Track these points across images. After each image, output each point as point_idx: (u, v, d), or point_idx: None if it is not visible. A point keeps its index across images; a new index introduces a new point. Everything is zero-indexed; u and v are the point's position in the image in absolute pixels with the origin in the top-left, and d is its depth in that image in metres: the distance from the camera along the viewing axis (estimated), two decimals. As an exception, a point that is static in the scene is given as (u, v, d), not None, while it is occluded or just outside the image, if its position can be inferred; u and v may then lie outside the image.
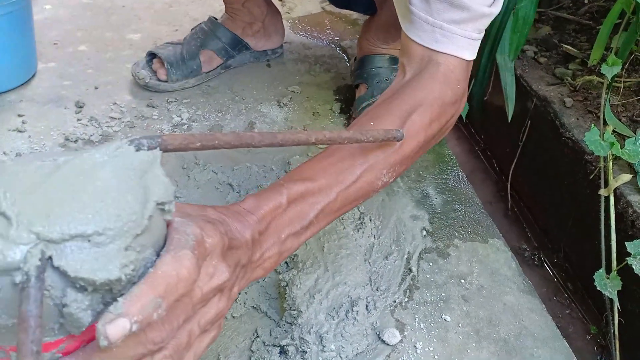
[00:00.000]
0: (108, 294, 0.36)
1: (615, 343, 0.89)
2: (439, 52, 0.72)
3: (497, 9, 0.73)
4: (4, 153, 1.08)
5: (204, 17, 1.35)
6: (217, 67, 1.33)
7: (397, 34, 1.12)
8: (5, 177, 0.36)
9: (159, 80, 1.27)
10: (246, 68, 1.39)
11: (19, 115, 1.18)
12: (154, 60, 1.29)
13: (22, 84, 1.27)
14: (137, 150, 0.40)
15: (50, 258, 0.34)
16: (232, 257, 0.48)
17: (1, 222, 0.34)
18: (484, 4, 0.71)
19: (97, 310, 0.36)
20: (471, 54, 0.74)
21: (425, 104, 0.69)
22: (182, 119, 1.20)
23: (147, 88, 1.27)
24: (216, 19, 1.33)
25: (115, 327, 0.34)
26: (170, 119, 1.20)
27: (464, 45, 0.72)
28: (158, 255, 0.39)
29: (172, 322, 0.40)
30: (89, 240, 0.35)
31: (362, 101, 1.18)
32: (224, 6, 1.35)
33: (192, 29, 1.34)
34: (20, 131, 1.14)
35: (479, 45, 0.75)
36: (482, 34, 0.74)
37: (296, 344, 0.77)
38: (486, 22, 0.74)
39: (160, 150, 0.42)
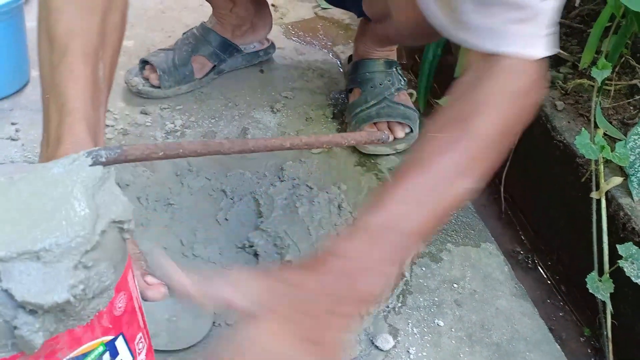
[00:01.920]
0: (61, 313, 0.36)
1: (608, 345, 0.89)
2: (501, 54, 0.67)
3: (551, 3, 0.67)
4: (-3, 162, 1.08)
5: (197, 24, 1.35)
6: (210, 72, 1.32)
7: (395, 39, 1.12)
8: None
9: (152, 86, 1.27)
10: (239, 74, 1.39)
11: (12, 124, 1.18)
12: (146, 67, 1.29)
13: (15, 92, 1.27)
14: (94, 162, 0.40)
15: None
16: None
17: None
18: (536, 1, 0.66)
19: (50, 330, 0.36)
20: (540, 51, 0.68)
21: (490, 104, 0.65)
22: (175, 126, 1.21)
23: (139, 95, 1.27)
24: (205, 24, 1.33)
25: None
26: (163, 126, 1.20)
27: (530, 43, 0.67)
28: (115, 269, 0.39)
29: None
30: (37, 258, 0.35)
31: (355, 107, 1.19)
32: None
33: (183, 34, 1.34)
34: (13, 139, 1.14)
35: (551, 40, 0.69)
36: (550, 29, 0.68)
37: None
38: (545, 19, 0.68)
39: (121, 161, 0.41)
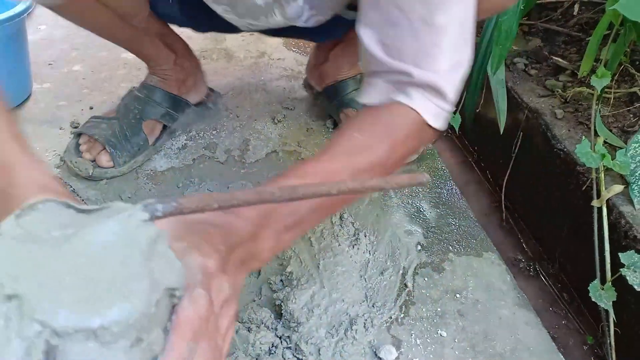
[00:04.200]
0: None
1: (611, 353, 0.89)
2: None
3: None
4: (0, 176, 1.09)
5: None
6: (162, 135, 1.18)
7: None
8: (9, 249, 0.35)
9: (103, 167, 1.08)
10: (240, 85, 1.40)
11: (15, 137, 1.18)
12: (82, 140, 1.11)
13: (17, 106, 1.28)
14: (151, 217, 0.38)
15: (56, 347, 0.33)
16: (231, 261, 0.52)
17: (6, 306, 0.33)
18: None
19: None
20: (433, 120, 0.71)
21: (405, 128, 0.69)
22: (177, 139, 1.21)
23: (91, 179, 1.08)
24: (148, 84, 1.17)
25: None
26: (165, 139, 1.21)
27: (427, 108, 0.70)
28: (164, 333, 0.38)
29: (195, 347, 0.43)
30: (95, 336, 0.33)
31: None
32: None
33: (122, 99, 1.17)
34: (16, 153, 1.14)
35: (444, 115, 0.72)
36: (445, 107, 0.71)
37: (291, 349, 0.79)
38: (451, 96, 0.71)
39: (177, 213, 0.40)
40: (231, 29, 1.08)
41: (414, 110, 0.69)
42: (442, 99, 0.70)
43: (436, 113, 0.70)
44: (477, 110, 1.31)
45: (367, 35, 0.71)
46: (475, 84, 1.21)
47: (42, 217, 0.38)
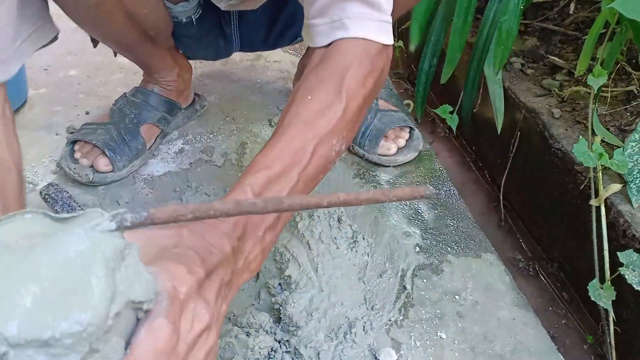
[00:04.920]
0: None
1: (611, 352, 0.89)
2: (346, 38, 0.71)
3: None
4: (-4, 182, 1.08)
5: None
6: (157, 138, 1.18)
7: None
8: None
9: (102, 172, 1.08)
10: (236, 88, 1.39)
11: (11, 144, 1.18)
12: (76, 147, 1.11)
13: (13, 112, 1.27)
14: (119, 226, 0.37)
15: (5, 354, 0.33)
16: (211, 285, 0.49)
17: None
18: None
19: None
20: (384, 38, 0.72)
21: (353, 64, 0.68)
22: (173, 142, 1.21)
23: (91, 184, 1.08)
24: (143, 89, 1.18)
25: None
26: (161, 142, 1.20)
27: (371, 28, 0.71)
28: (124, 341, 0.38)
29: None
30: (47, 345, 0.33)
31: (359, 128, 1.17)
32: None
33: (114, 105, 1.17)
34: (12, 159, 1.14)
35: (386, 28, 0.72)
36: (383, 18, 0.72)
37: (291, 353, 0.78)
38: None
39: (147, 224, 0.39)
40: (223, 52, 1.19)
41: (356, 38, 0.69)
42: (377, 10, 0.70)
43: (377, 28, 0.70)
44: (475, 111, 1.31)
45: None
46: (472, 84, 1.21)
47: (15, 226, 0.38)
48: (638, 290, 0.81)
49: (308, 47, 1.29)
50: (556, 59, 1.23)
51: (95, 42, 1.12)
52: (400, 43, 1.58)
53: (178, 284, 0.43)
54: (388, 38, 0.72)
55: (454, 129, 1.27)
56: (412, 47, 1.21)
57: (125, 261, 0.37)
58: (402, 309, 0.87)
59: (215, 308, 0.48)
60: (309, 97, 0.66)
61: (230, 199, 0.56)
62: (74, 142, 1.11)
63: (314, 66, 0.71)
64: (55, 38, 0.84)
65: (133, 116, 1.14)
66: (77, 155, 1.09)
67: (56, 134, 1.22)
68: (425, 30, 1.21)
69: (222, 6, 1.03)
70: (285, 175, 0.61)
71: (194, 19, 1.05)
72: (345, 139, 0.68)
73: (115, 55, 1.23)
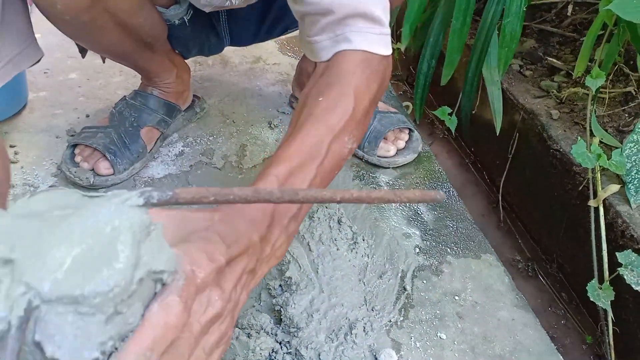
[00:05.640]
0: None
1: (610, 352, 0.89)
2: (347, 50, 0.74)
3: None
4: (-3, 185, 1.09)
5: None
6: (157, 141, 1.19)
7: None
8: (11, 223, 0.37)
9: (103, 175, 1.09)
10: (235, 91, 1.40)
11: (11, 146, 1.19)
12: (77, 151, 1.12)
13: (13, 115, 1.27)
14: (146, 202, 0.40)
15: (37, 307, 0.35)
16: (232, 274, 0.50)
17: (0, 270, 0.35)
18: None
19: None
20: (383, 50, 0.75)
21: (357, 70, 0.72)
22: (174, 144, 1.21)
23: (92, 188, 1.08)
24: (143, 92, 1.19)
25: None
26: (162, 144, 1.21)
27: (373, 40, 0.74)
28: (143, 307, 0.40)
29: (177, 358, 0.41)
30: (75, 303, 0.35)
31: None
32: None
33: (113, 108, 1.18)
34: (12, 162, 1.14)
35: (386, 40, 0.76)
36: (383, 31, 0.75)
37: (291, 354, 0.79)
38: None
39: (172, 202, 0.42)
40: (215, 48, 1.21)
41: (359, 50, 0.72)
42: (378, 24, 0.74)
43: (378, 41, 0.73)
44: (473, 112, 1.31)
45: None
46: (471, 85, 1.22)
47: (48, 198, 0.41)
48: (637, 290, 0.81)
49: None
50: (554, 60, 1.24)
51: (83, 52, 1.13)
52: (399, 45, 1.59)
53: (197, 269, 0.45)
54: (388, 49, 0.75)
55: (453, 131, 1.27)
56: (403, 46, 1.22)
57: (150, 235, 0.40)
58: (402, 309, 0.87)
59: (232, 296, 0.49)
60: (320, 98, 0.69)
61: (258, 183, 0.59)
62: (75, 145, 1.12)
63: (320, 74, 0.74)
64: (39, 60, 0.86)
65: (133, 119, 1.14)
66: (78, 158, 1.10)
67: (56, 137, 1.22)
68: (420, 31, 1.21)
69: (207, 9, 1.04)
70: (305, 168, 0.63)
71: (186, 20, 1.06)
72: (355, 138, 0.71)
73: (103, 62, 1.24)
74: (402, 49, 1.23)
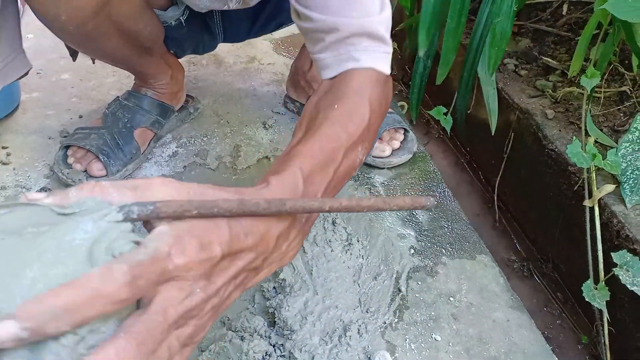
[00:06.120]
0: None
1: (606, 353, 0.89)
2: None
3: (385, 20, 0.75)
4: (-11, 187, 1.08)
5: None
6: (150, 142, 1.18)
7: None
8: None
9: (96, 177, 1.08)
10: (230, 91, 1.39)
11: (3, 148, 1.18)
12: (70, 152, 1.11)
13: (5, 116, 1.27)
14: (125, 218, 0.38)
15: None
16: (229, 268, 0.47)
17: None
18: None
19: None
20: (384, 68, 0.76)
21: (368, 85, 0.72)
22: (167, 145, 1.20)
23: None
24: (136, 92, 1.18)
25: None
26: (155, 145, 1.20)
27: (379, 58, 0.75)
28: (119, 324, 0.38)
29: (147, 343, 0.38)
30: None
31: None
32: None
33: (107, 109, 1.17)
34: (4, 164, 1.14)
35: (389, 59, 0.76)
36: (387, 50, 0.76)
37: (285, 357, 0.78)
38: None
39: (153, 217, 0.40)
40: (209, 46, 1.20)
41: (368, 68, 0.72)
42: (382, 42, 0.74)
43: (384, 59, 0.74)
44: (469, 112, 1.31)
45: (293, 1, 0.74)
46: (466, 85, 1.21)
47: (21, 215, 0.39)
48: (632, 290, 0.81)
49: (301, 49, 1.29)
50: (549, 60, 1.24)
51: (74, 55, 1.12)
52: (395, 45, 1.58)
53: (176, 254, 0.41)
54: (389, 68, 0.76)
55: (448, 130, 1.27)
56: (421, 52, 1.20)
57: (127, 250, 0.38)
58: (397, 311, 0.87)
59: (221, 292, 0.46)
60: (335, 106, 0.68)
61: (282, 177, 0.55)
62: (67, 146, 1.11)
63: (326, 90, 0.73)
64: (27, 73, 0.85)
65: (126, 120, 1.13)
66: (71, 160, 1.09)
67: (49, 138, 1.21)
68: (415, 31, 1.21)
69: (204, 10, 1.04)
70: (325, 168, 0.61)
71: (182, 21, 1.05)
72: (366, 150, 0.70)
73: (93, 62, 1.23)
74: (421, 54, 1.22)
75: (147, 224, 0.42)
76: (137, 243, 0.39)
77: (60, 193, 0.41)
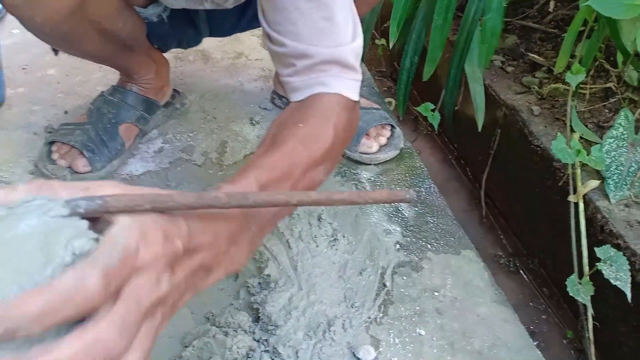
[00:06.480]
0: None
1: (591, 347, 0.90)
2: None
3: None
4: (-28, 183, 1.07)
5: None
6: (136, 137, 1.16)
7: None
8: None
9: (80, 173, 1.07)
10: (217, 87, 1.38)
11: (-12, 143, 1.17)
12: (54, 148, 1.09)
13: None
14: (71, 212, 0.37)
15: None
16: (188, 264, 0.46)
17: None
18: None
19: None
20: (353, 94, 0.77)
21: (336, 110, 0.73)
22: (153, 142, 1.20)
23: None
24: (121, 88, 1.17)
25: None
26: (140, 141, 1.19)
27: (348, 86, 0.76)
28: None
29: (124, 332, 0.38)
30: None
31: None
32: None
33: (91, 104, 1.15)
34: (-12, 159, 1.13)
35: (358, 86, 0.78)
36: (357, 78, 0.77)
37: (269, 352, 0.78)
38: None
39: (102, 212, 0.38)
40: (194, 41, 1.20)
41: (336, 93, 0.73)
42: (352, 71, 0.75)
43: (352, 87, 0.76)
44: (456, 108, 1.31)
45: (264, 24, 0.76)
46: (454, 82, 1.21)
47: None
48: (616, 285, 0.81)
49: None
50: (536, 56, 1.24)
51: (56, 51, 1.11)
52: (383, 41, 1.58)
53: (144, 247, 0.40)
54: (358, 95, 0.78)
55: (436, 127, 1.27)
56: (391, 44, 1.21)
57: (75, 245, 0.36)
58: (382, 306, 0.87)
59: (181, 286, 0.46)
60: (300, 125, 0.69)
61: (236, 187, 0.54)
62: (52, 142, 1.10)
63: (294, 109, 0.75)
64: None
65: (111, 116, 1.12)
66: (55, 156, 1.08)
67: (34, 134, 1.20)
68: (403, 27, 1.21)
69: (179, 8, 1.04)
70: (281, 183, 0.61)
71: (164, 17, 1.04)
72: (327, 171, 0.71)
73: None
74: (390, 47, 1.23)
75: (96, 221, 0.40)
76: (96, 240, 0.37)
77: (6, 187, 0.40)
